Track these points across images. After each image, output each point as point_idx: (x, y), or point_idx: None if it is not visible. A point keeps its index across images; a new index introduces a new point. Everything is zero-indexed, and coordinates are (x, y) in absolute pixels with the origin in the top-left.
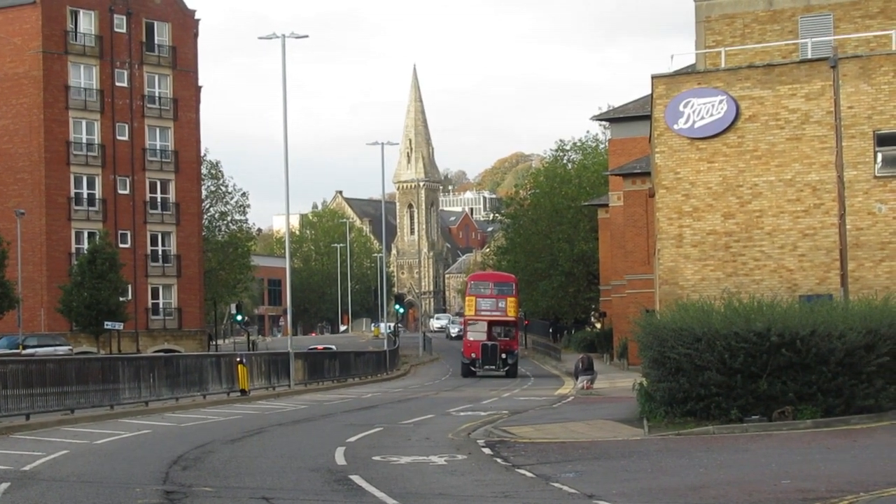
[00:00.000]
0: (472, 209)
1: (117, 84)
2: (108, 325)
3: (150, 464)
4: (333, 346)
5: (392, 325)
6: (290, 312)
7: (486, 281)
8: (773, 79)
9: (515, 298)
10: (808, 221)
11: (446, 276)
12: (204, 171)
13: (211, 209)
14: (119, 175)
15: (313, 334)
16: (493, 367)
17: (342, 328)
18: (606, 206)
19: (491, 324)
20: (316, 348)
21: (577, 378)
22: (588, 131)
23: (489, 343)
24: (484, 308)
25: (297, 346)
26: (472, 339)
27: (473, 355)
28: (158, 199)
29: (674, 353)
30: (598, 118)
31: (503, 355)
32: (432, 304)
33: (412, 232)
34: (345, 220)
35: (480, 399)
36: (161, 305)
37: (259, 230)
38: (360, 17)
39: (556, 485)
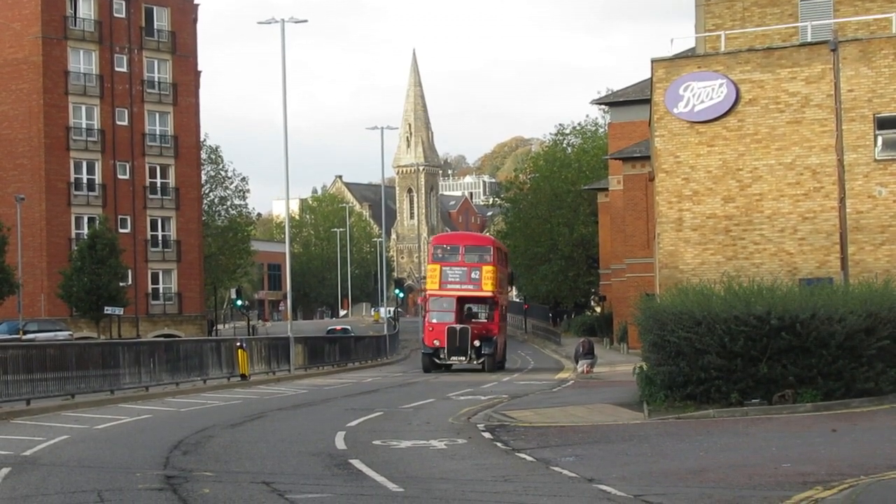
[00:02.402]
0: (471, 193)
1: (117, 69)
2: (108, 310)
3: (150, 449)
4: (349, 328)
5: (392, 309)
6: (290, 297)
7: (455, 244)
8: (773, 62)
9: (494, 268)
10: (808, 205)
11: None
12: (203, 156)
13: (211, 194)
14: (119, 160)
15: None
16: (464, 357)
17: (342, 313)
18: (606, 190)
19: (461, 301)
20: (335, 329)
21: (577, 362)
22: (588, 115)
23: (458, 327)
24: (451, 279)
25: (297, 330)
26: (435, 321)
27: (437, 342)
28: (158, 184)
29: (674, 337)
30: (598, 102)
31: (476, 342)
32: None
33: (412, 216)
34: (344, 204)
35: (481, 383)
36: (161, 290)
37: (259, 215)
38: (362, 1)
39: (556, 469)
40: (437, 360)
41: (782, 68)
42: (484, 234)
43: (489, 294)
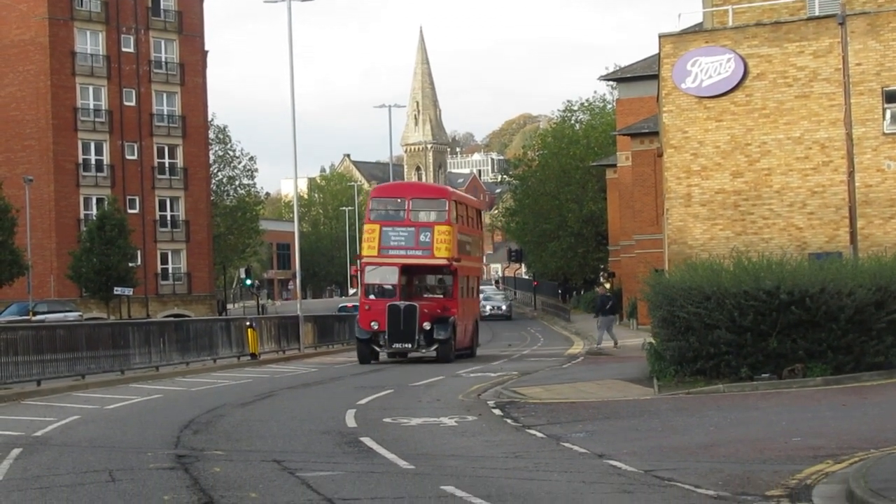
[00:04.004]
0: (479, 171)
1: (123, 49)
2: (117, 290)
3: (161, 428)
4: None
5: None
6: (300, 276)
7: (399, 196)
8: (781, 36)
9: (451, 227)
10: (816, 179)
11: None
12: (211, 135)
13: (219, 174)
14: (126, 141)
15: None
16: (409, 344)
17: (351, 291)
18: (614, 166)
19: (407, 271)
20: (347, 307)
21: (596, 315)
22: (595, 92)
23: (401, 305)
24: (395, 244)
25: (306, 309)
26: (372, 297)
27: (374, 325)
28: (166, 165)
29: (683, 313)
30: (606, 78)
31: (427, 325)
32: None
33: None
34: (353, 183)
35: (490, 360)
36: (170, 270)
37: (267, 194)
38: None
39: (566, 445)
40: (377, 348)
41: (790, 42)
42: (439, 185)
43: (443, 262)
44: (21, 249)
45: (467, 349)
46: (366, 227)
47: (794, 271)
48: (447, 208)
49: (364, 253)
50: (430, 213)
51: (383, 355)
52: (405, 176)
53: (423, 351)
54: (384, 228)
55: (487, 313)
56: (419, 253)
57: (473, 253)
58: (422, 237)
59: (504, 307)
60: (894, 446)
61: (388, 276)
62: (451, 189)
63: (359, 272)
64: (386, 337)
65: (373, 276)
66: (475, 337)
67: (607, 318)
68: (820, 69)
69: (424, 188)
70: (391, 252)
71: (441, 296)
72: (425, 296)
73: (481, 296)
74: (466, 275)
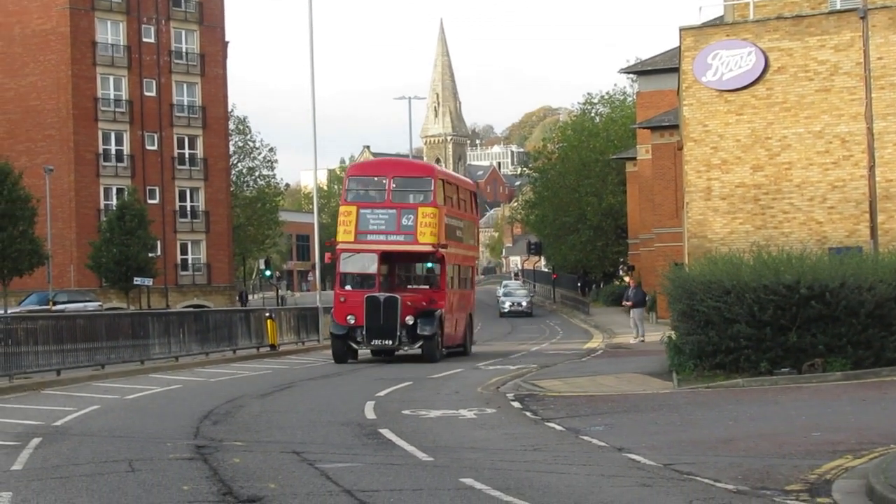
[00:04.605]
0: (499, 163)
1: (144, 40)
2: (137, 280)
3: (180, 418)
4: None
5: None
6: (319, 268)
7: (379, 175)
8: (802, 30)
9: (437, 210)
10: (837, 173)
11: None
12: (231, 126)
13: (239, 164)
14: (147, 131)
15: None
16: (390, 340)
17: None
18: (634, 159)
19: (387, 259)
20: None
21: (624, 298)
22: (616, 84)
23: (381, 296)
24: (374, 228)
25: (325, 300)
26: (349, 288)
27: (351, 319)
28: (186, 155)
29: (703, 307)
30: (626, 71)
31: (409, 319)
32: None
33: None
34: None
35: (510, 353)
36: (190, 261)
37: (287, 185)
38: None
39: (585, 438)
40: (354, 345)
41: (811, 36)
42: (423, 162)
43: (428, 249)
44: (41, 239)
45: (459, 346)
46: (341, 208)
47: (815, 266)
48: (432, 188)
49: (339, 238)
50: (414, 194)
51: (365, 353)
52: None
53: (406, 348)
54: (362, 211)
55: (507, 310)
56: (401, 238)
57: (466, 239)
58: (404, 220)
59: (525, 303)
60: None
61: (367, 265)
62: (437, 167)
63: (334, 259)
64: (364, 332)
65: (349, 265)
66: (468, 333)
67: (641, 310)
68: (841, 63)
69: (407, 165)
70: (370, 237)
71: (427, 287)
72: (409, 287)
73: (501, 291)
74: (457, 263)
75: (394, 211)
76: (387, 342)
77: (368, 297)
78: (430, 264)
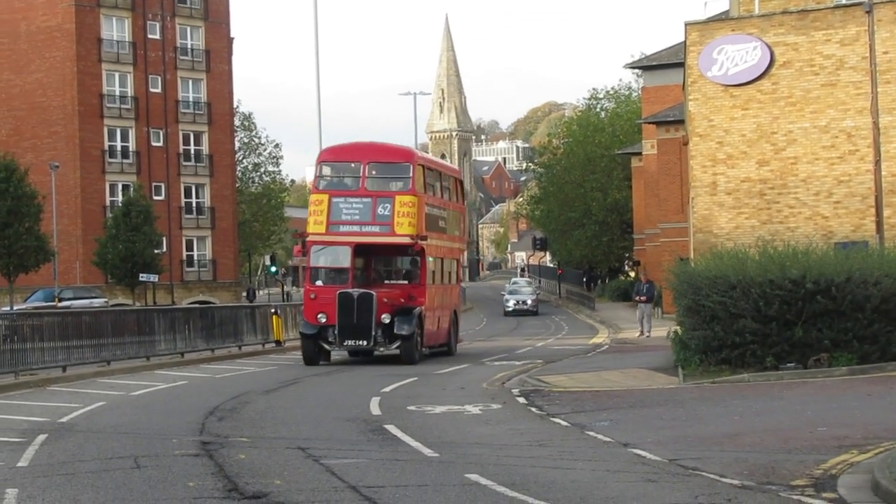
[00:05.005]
0: (504, 159)
1: (149, 36)
2: (143, 277)
3: (186, 415)
4: None
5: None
6: None
7: (353, 160)
8: (808, 24)
9: (416, 198)
10: (843, 168)
11: (480, 226)
12: (237, 122)
13: (244, 161)
14: (152, 127)
15: None
16: (365, 340)
17: None
18: (640, 154)
19: (362, 252)
20: None
21: (635, 294)
22: (621, 79)
23: (354, 293)
24: (347, 217)
25: None
26: (320, 283)
27: (322, 318)
28: (192, 151)
29: (708, 301)
30: (631, 66)
31: (385, 318)
32: (465, 254)
33: None
34: None
35: (515, 348)
36: (196, 257)
37: (293, 181)
38: None
39: (591, 433)
40: (326, 346)
41: (817, 31)
42: (402, 146)
43: (406, 241)
44: (47, 236)
45: (442, 346)
46: (311, 197)
47: (820, 260)
48: (411, 174)
49: (310, 229)
50: (391, 181)
51: (342, 354)
52: None
53: (383, 349)
54: (334, 199)
55: (511, 308)
56: (377, 229)
57: (450, 231)
58: (380, 210)
59: (530, 302)
60: None
61: (339, 258)
62: (417, 151)
63: (303, 251)
64: (336, 332)
65: (320, 258)
66: (453, 331)
67: (650, 306)
68: (847, 57)
69: (384, 150)
70: (343, 228)
71: (406, 282)
72: (386, 282)
73: (507, 288)
74: (440, 257)
75: (369, 199)
76: (361, 342)
77: (341, 293)
78: (408, 257)
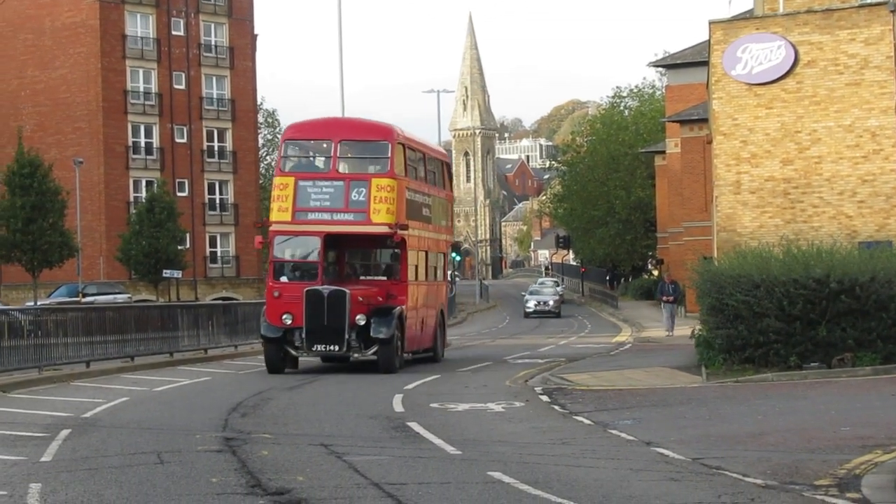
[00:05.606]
0: (528, 157)
1: (174, 33)
2: (166, 273)
3: (209, 411)
4: None
5: (449, 273)
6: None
7: (323, 139)
8: (832, 24)
9: (394, 182)
10: (867, 167)
11: (503, 223)
12: (260, 119)
13: (268, 157)
14: (176, 124)
15: None
16: (336, 345)
17: None
18: (663, 152)
19: (333, 243)
20: None
21: (661, 294)
22: (645, 78)
23: (325, 290)
24: (315, 204)
25: None
26: (285, 280)
27: (287, 319)
28: (215, 148)
29: (732, 301)
30: (655, 64)
31: (360, 319)
32: (489, 252)
33: (468, 180)
34: None
35: (538, 346)
36: (219, 254)
37: None
38: None
39: (613, 432)
40: (292, 351)
41: (841, 30)
42: (379, 122)
43: (385, 230)
44: (71, 232)
45: (427, 350)
46: (275, 180)
47: (844, 260)
48: (390, 154)
49: (273, 218)
50: (367, 162)
51: (313, 360)
52: (453, 163)
53: (358, 355)
54: (301, 183)
55: (532, 309)
56: (350, 217)
57: (436, 220)
58: (354, 195)
59: (552, 303)
60: None
61: (307, 250)
62: (397, 128)
63: (265, 244)
64: (303, 335)
65: (285, 250)
66: (440, 334)
67: (675, 305)
68: (871, 57)
69: (358, 126)
70: (311, 216)
71: (384, 278)
72: (361, 278)
73: (529, 288)
74: (424, 249)
75: (341, 183)
76: (332, 347)
77: (309, 290)
78: (387, 249)
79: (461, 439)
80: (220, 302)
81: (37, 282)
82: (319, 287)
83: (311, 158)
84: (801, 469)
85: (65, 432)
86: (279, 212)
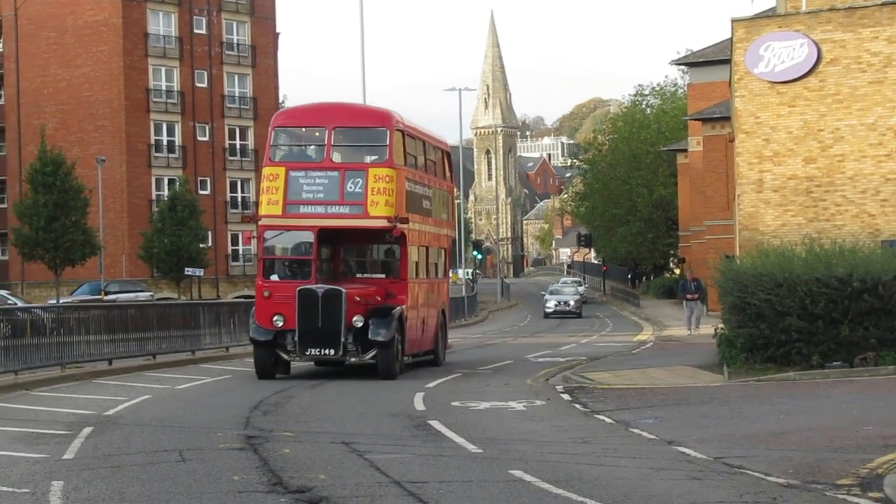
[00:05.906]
0: (549, 155)
1: (196, 31)
2: (188, 271)
3: (231, 408)
4: None
5: (470, 271)
6: None
7: (316, 126)
8: (855, 21)
9: (393, 172)
10: (890, 166)
11: (524, 222)
12: None
13: None
14: (198, 122)
15: None
16: (331, 349)
17: None
18: (685, 151)
19: (328, 239)
20: None
21: (683, 293)
22: (667, 76)
23: (319, 290)
24: (308, 196)
25: None
26: (275, 278)
27: (278, 321)
28: (237, 146)
29: (754, 299)
30: (677, 62)
31: (357, 321)
32: (510, 250)
33: (490, 178)
34: None
35: (559, 345)
36: (241, 252)
37: None
38: None
39: (635, 430)
40: (284, 355)
41: (864, 28)
42: (376, 108)
43: (383, 224)
44: (93, 230)
45: (428, 353)
46: (264, 171)
47: (867, 259)
48: (388, 142)
49: (263, 211)
50: (363, 151)
51: (308, 365)
52: (475, 161)
53: (354, 359)
54: (293, 174)
55: (552, 310)
56: (345, 210)
57: (437, 214)
58: (349, 186)
59: (572, 303)
60: None
61: (300, 247)
62: (395, 114)
63: (254, 239)
64: (296, 338)
65: (276, 247)
66: (441, 335)
67: (698, 303)
68: (894, 55)
69: (354, 112)
70: (303, 209)
71: (382, 276)
72: (358, 276)
73: (549, 287)
74: (425, 245)
75: (335, 173)
76: (327, 351)
77: (302, 290)
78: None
79: (482, 438)
80: (241, 300)
81: (59, 279)
82: (313, 286)
83: (303, 147)
84: (823, 468)
85: (87, 430)
86: (269, 205)
